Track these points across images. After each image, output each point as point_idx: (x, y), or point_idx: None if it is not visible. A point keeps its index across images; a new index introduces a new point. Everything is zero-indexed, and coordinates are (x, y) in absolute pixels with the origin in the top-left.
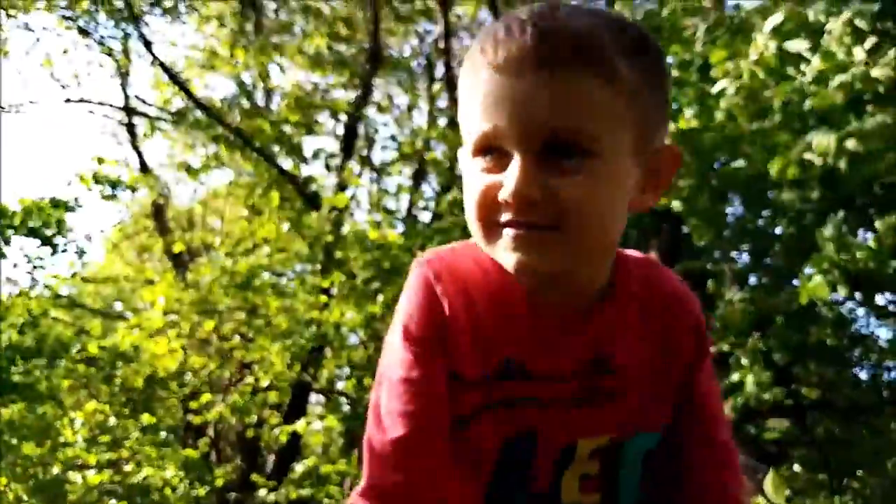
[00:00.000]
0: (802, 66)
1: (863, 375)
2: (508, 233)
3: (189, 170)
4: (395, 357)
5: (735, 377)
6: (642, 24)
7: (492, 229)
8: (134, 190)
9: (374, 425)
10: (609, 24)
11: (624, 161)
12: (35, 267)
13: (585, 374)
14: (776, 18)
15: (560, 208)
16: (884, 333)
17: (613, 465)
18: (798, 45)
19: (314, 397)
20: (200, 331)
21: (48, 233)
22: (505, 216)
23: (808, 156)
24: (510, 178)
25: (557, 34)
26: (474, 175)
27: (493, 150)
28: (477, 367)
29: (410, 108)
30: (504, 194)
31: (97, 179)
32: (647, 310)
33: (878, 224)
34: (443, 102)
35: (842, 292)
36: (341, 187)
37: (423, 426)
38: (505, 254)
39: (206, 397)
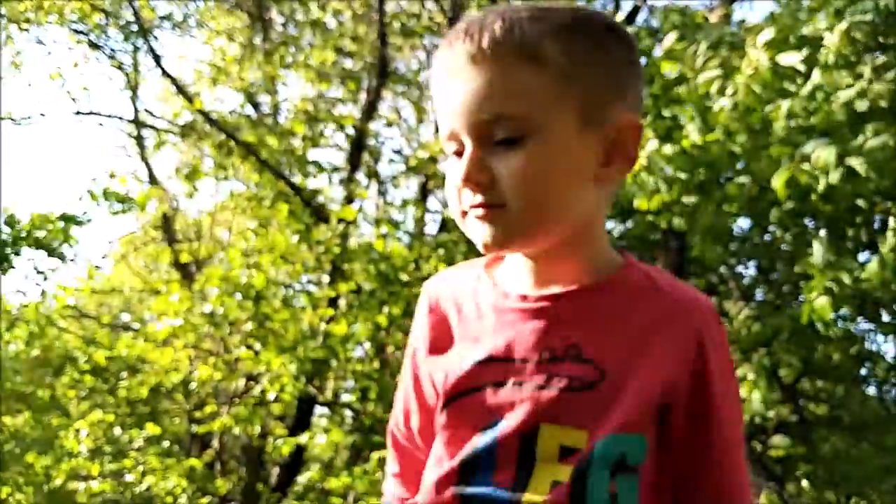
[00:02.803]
0: (799, 80)
1: (870, 391)
2: (471, 213)
3: (188, 176)
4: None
5: (742, 393)
6: (592, 12)
7: (463, 214)
8: (143, 207)
9: None
10: (537, 13)
11: (567, 137)
12: (45, 278)
13: (550, 360)
14: (768, 33)
15: (503, 187)
16: (891, 349)
17: (585, 475)
18: (791, 58)
19: (319, 409)
20: (207, 341)
21: (55, 245)
22: (467, 201)
23: (805, 166)
24: (461, 165)
25: (483, 32)
26: (448, 170)
27: (458, 146)
28: (462, 361)
29: (419, 122)
30: (456, 180)
31: (106, 196)
32: (634, 307)
33: (881, 245)
34: None
35: (846, 309)
36: (349, 200)
37: (396, 425)
38: (472, 234)
39: (210, 408)
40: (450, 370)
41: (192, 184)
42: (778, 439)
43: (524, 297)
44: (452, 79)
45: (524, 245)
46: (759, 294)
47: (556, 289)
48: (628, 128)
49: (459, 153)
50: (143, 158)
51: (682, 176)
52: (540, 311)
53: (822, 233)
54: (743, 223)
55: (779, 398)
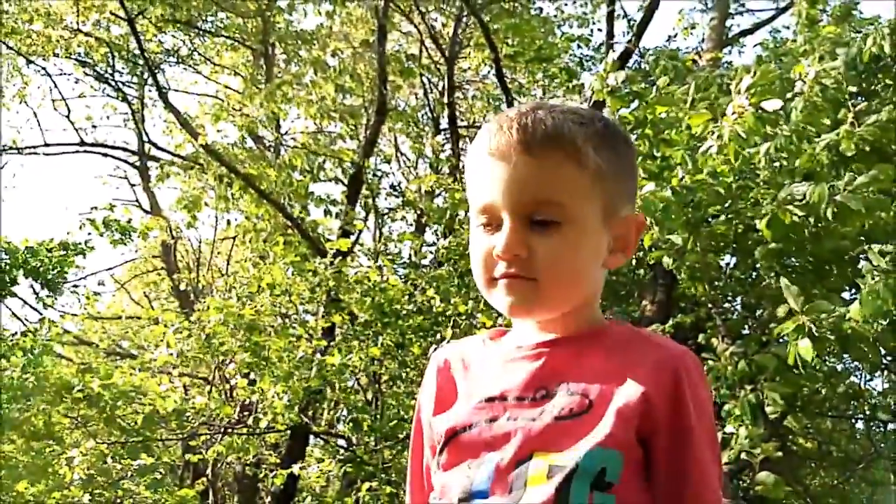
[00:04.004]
0: (782, 124)
1: (858, 426)
2: (502, 282)
3: (189, 207)
4: None
5: (729, 429)
6: (614, 122)
7: (490, 281)
8: (145, 237)
9: None
10: (581, 119)
11: (593, 227)
12: (46, 306)
13: (543, 397)
14: (749, 79)
15: (538, 264)
16: (880, 385)
17: (569, 481)
18: (773, 104)
19: (314, 439)
20: (203, 370)
21: (52, 273)
22: (499, 270)
23: (792, 207)
24: (502, 238)
25: (536, 127)
26: (477, 239)
27: (491, 219)
28: (462, 408)
29: (418, 157)
30: (497, 250)
31: (107, 224)
32: (619, 348)
33: (862, 286)
34: (445, 153)
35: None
36: (345, 233)
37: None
38: (499, 298)
39: (204, 437)
40: (451, 417)
41: (193, 214)
42: (763, 475)
43: (522, 347)
44: (501, 161)
45: (546, 313)
46: (745, 331)
47: (552, 336)
48: (634, 223)
49: (489, 225)
50: (147, 189)
51: (672, 215)
52: (536, 356)
53: (785, 282)
54: (730, 261)
55: (765, 434)
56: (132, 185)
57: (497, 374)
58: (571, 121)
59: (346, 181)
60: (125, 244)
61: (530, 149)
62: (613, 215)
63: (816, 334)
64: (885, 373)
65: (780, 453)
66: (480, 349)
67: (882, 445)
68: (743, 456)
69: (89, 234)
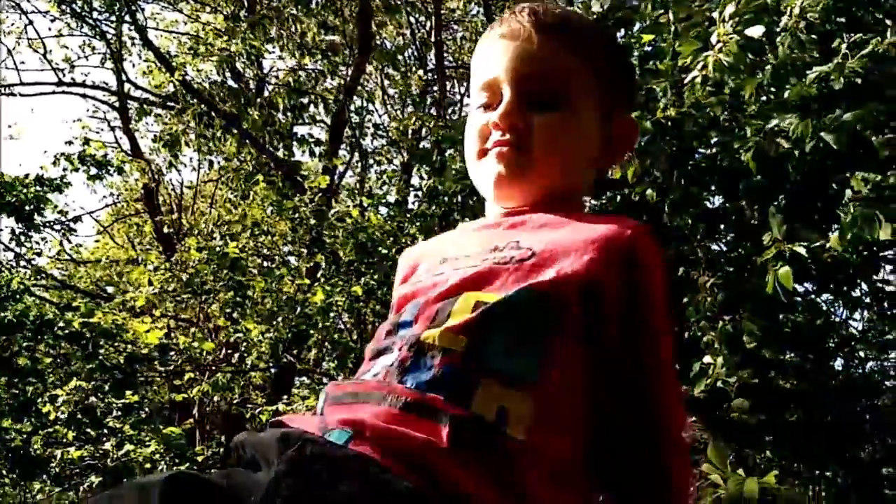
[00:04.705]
0: (769, 55)
1: (837, 366)
2: (493, 152)
3: (169, 145)
4: None
5: (707, 359)
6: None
7: (481, 152)
8: (121, 171)
9: None
10: (593, 24)
11: (589, 120)
12: (18, 244)
13: (491, 251)
14: (732, 6)
15: (534, 137)
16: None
17: (489, 320)
18: (756, 30)
19: (300, 378)
20: (187, 311)
21: (28, 209)
22: (492, 140)
23: (780, 140)
24: (502, 106)
25: (548, 12)
26: (474, 118)
27: (491, 98)
28: (418, 276)
29: (402, 97)
30: (494, 117)
31: (83, 160)
32: (580, 219)
33: (842, 215)
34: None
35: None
36: (326, 171)
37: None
38: (487, 169)
39: (189, 376)
40: (409, 283)
41: (174, 154)
42: (738, 401)
43: (488, 221)
44: (511, 40)
45: (530, 188)
46: (726, 264)
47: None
48: (629, 126)
49: (488, 106)
50: (127, 130)
51: (655, 147)
52: (496, 224)
53: (771, 209)
54: (714, 200)
55: (741, 362)
56: (112, 128)
57: (458, 242)
58: (586, 23)
59: (329, 122)
60: (101, 179)
61: (541, 28)
62: (610, 114)
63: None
64: (865, 312)
65: (755, 380)
66: (447, 234)
67: (860, 382)
68: (719, 385)
69: (65, 169)
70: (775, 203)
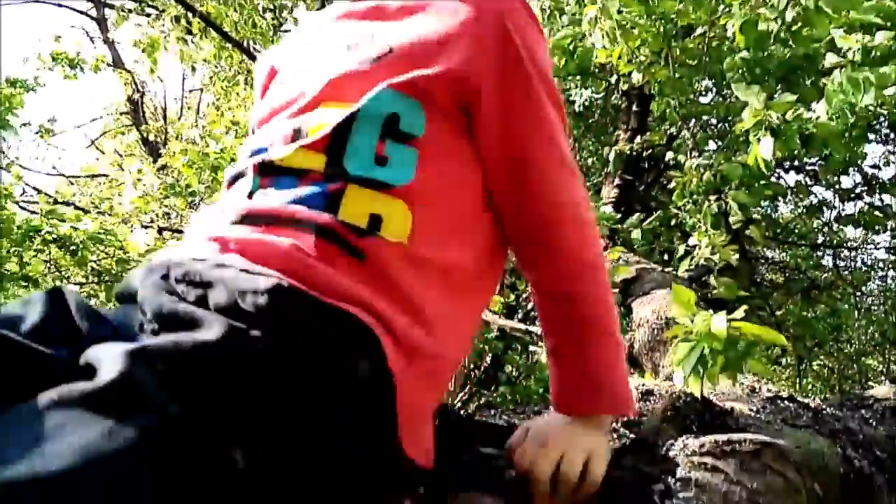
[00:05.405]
0: None
1: (826, 261)
2: None
3: (147, 50)
4: None
5: (692, 241)
6: None
7: None
8: (97, 70)
9: None
10: None
11: None
12: None
13: (347, 49)
14: None
15: None
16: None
17: (349, 122)
18: None
19: None
20: (176, 224)
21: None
22: None
23: (763, 10)
24: None
25: None
26: None
27: None
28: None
29: None
30: None
31: (55, 58)
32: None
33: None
34: None
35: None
36: None
37: None
38: None
39: None
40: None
41: (154, 58)
42: (721, 279)
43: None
44: None
45: None
46: (712, 145)
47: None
48: None
49: None
50: (107, 41)
51: (640, 27)
52: (349, 14)
53: (748, 85)
54: (703, 82)
55: (726, 240)
56: (91, 38)
57: (314, 41)
58: None
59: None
60: (76, 79)
61: None
62: None
63: (779, 131)
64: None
65: (736, 256)
66: (306, 28)
67: (847, 274)
68: (703, 262)
69: (38, 69)
70: (759, 81)
